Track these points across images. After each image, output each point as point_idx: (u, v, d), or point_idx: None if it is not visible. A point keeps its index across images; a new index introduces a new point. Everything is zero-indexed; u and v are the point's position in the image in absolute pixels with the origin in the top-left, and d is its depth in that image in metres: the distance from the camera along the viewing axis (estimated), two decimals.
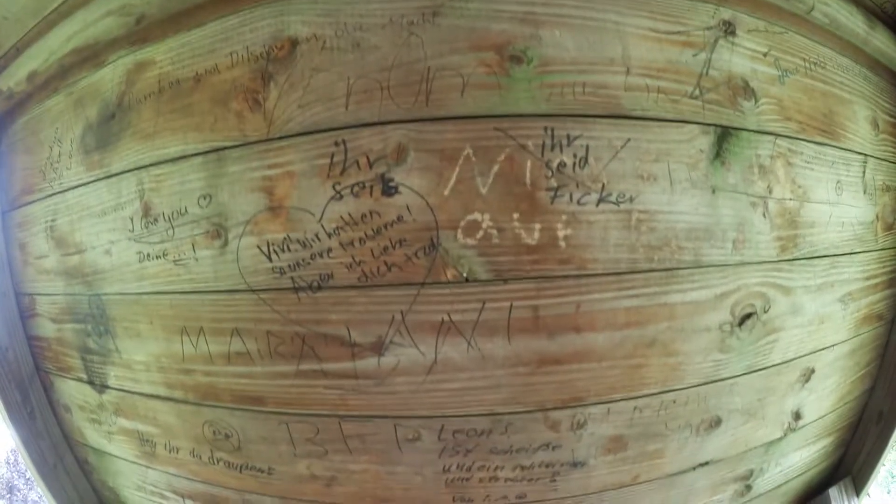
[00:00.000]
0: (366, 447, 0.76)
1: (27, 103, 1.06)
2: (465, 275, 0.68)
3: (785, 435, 0.97)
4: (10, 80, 1.04)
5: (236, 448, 0.83)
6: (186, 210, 0.75)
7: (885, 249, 1.05)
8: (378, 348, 0.70)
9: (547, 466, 0.78)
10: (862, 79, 1.00)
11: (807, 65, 0.89)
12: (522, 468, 0.77)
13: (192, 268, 0.76)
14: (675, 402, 0.79)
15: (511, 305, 0.69)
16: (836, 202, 0.91)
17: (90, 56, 0.91)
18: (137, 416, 0.91)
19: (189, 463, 0.88)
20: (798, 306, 0.87)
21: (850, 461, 1.19)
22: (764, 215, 0.80)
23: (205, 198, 0.74)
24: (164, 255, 0.78)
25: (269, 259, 0.71)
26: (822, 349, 0.95)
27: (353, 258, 0.68)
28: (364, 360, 0.71)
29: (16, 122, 1.08)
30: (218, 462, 0.85)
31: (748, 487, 0.99)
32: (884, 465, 1.20)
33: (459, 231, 0.67)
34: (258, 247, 0.71)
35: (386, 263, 0.68)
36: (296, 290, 0.71)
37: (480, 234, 0.67)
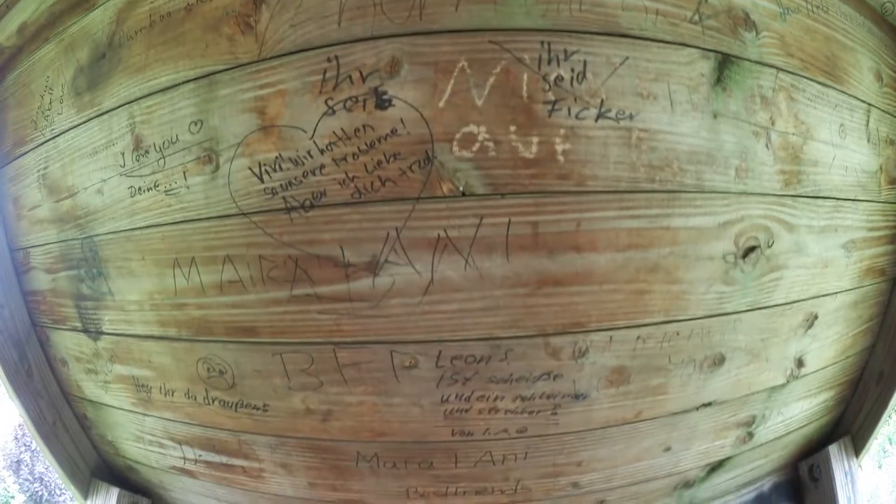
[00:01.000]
0: (362, 377, 0.75)
1: (17, 57, 1.04)
2: (461, 189, 0.66)
3: (787, 382, 0.95)
4: (0, 35, 1.03)
5: (231, 385, 0.81)
6: (177, 138, 0.74)
7: (889, 203, 1.03)
8: (372, 268, 0.69)
9: (548, 398, 0.76)
10: (866, 30, 0.99)
11: (809, 6, 0.88)
12: (523, 399, 0.75)
13: (183, 196, 0.75)
14: (678, 333, 0.77)
15: (509, 221, 0.67)
16: (839, 145, 0.90)
17: (81, 1, 0.90)
18: (132, 360, 0.89)
19: (184, 405, 0.87)
20: (802, 245, 0.86)
21: (849, 420, 1.17)
22: (767, 146, 0.78)
23: (196, 123, 0.72)
24: (155, 186, 0.76)
25: (261, 180, 0.70)
26: (825, 295, 0.94)
27: (346, 174, 0.67)
28: (358, 282, 0.70)
29: (6, 79, 1.07)
30: (213, 402, 0.84)
31: (750, 435, 0.98)
32: (876, 438, 1.19)
33: (455, 143, 0.65)
34: (250, 168, 0.70)
35: (380, 178, 0.66)
36: (288, 210, 0.69)
37: (477, 146, 0.65)
